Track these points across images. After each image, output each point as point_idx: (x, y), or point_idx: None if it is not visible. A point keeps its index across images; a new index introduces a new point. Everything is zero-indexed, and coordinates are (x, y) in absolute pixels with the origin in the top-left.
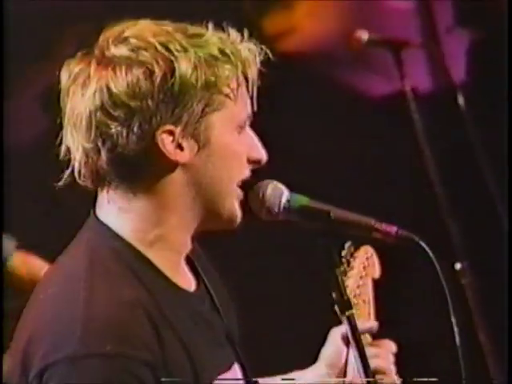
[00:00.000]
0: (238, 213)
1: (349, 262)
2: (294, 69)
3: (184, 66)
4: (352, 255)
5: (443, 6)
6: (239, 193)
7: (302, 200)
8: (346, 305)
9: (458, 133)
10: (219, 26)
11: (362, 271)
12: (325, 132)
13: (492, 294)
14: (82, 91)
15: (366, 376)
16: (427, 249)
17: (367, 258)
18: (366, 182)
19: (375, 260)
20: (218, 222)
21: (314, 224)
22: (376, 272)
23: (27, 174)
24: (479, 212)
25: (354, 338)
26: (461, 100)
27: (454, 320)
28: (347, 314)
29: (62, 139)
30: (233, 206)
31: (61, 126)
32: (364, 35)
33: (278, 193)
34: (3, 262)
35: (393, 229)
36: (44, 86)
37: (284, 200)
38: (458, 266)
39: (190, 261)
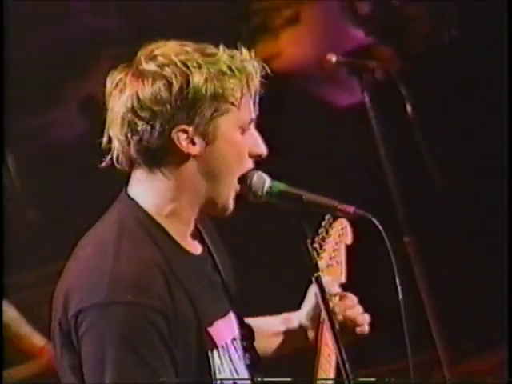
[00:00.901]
0: (231, 203)
1: (327, 231)
2: (279, 84)
3: (197, 80)
4: (330, 225)
5: None
6: (236, 185)
7: (281, 186)
8: (314, 268)
9: (406, 133)
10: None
11: (337, 238)
12: (303, 132)
13: (432, 261)
14: (120, 95)
15: (330, 322)
16: (377, 224)
17: (342, 228)
18: (335, 172)
19: (348, 230)
20: (213, 209)
21: (289, 205)
22: (348, 239)
23: (73, 164)
24: (422, 196)
25: (321, 293)
26: (408, 108)
27: (397, 280)
28: (315, 275)
29: (103, 131)
30: (228, 196)
31: (105, 121)
32: (333, 58)
33: (261, 180)
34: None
35: (351, 208)
36: (82, 96)
37: (266, 186)
38: (405, 238)
39: (198, 230)
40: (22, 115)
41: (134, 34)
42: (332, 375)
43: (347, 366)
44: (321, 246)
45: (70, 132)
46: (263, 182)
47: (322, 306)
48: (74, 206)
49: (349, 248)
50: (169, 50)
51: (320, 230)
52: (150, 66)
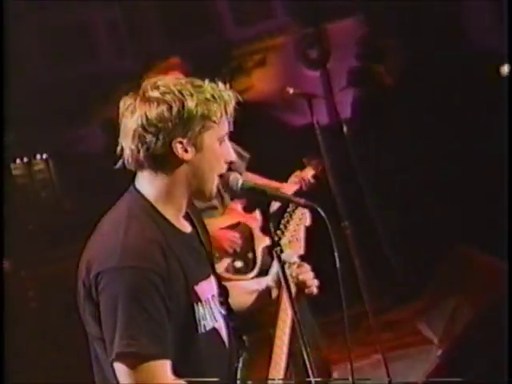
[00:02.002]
0: (214, 192)
1: (291, 215)
2: (250, 110)
3: (190, 104)
4: (293, 211)
5: (340, 72)
6: (217, 181)
7: (250, 183)
8: (275, 244)
9: (342, 147)
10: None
11: (297, 221)
12: (266, 146)
13: (362, 239)
14: (131, 115)
15: (286, 284)
16: (322, 212)
17: (302, 214)
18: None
19: (307, 215)
20: (202, 196)
21: (257, 197)
22: (307, 222)
23: (97, 169)
24: (356, 192)
25: (280, 262)
26: (345, 129)
27: (336, 253)
28: (275, 249)
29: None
30: (212, 188)
31: (118, 135)
32: (291, 90)
33: (236, 179)
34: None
35: (302, 200)
36: (105, 119)
37: (239, 183)
38: (343, 223)
39: (188, 214)
40: (60, 131)
41: (143, 72)
42: (288, 322)
43: (298, 315)
44: (285, 227)
45: (95, 145)
46: (237, 180)
47: (280, 273)
48: (97, 198)
49: (307, 229)
50: (168, 81)
51: (285, 215)
52: (155, 94)
